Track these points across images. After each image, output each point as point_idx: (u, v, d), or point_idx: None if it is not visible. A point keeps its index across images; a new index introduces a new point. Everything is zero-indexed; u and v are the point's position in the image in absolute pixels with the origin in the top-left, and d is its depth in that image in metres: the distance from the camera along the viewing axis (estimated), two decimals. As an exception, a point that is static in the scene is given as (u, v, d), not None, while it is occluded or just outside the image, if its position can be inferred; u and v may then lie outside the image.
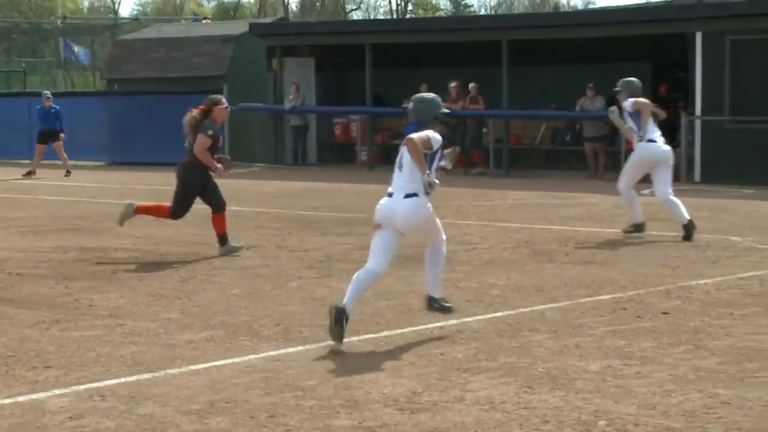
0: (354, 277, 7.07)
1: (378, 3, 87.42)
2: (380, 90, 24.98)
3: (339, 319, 6.71)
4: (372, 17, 71.41)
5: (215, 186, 11.19)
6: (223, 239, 11.04)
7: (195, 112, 11.03)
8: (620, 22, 21.82)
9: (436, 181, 7.07)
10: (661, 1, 28.26)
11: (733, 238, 11.98)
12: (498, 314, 7.85)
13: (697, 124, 20.36)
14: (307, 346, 6.89)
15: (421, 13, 73.73)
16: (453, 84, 22.82)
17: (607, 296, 8.56)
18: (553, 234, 12.31)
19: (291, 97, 25.18)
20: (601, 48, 22.47)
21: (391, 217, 7.08)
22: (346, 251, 11.24)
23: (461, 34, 23.65)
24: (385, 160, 25.12)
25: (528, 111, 23.19)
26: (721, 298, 8.49)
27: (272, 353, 6.72)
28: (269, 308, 8.15)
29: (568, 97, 22.37)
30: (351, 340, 6.96)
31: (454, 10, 75.45)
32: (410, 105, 7.34)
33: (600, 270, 9.92)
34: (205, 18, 41.61)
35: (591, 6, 74.16)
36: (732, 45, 19.84)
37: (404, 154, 7.09)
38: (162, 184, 18.68)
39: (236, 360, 6.54)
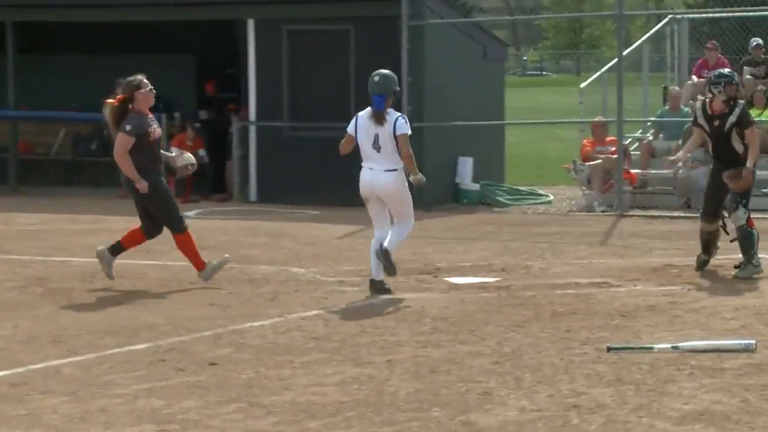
0: (371, 248, 10.58)
1: None
2: None
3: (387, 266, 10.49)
4: None
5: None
6: (116, 249, 11.31)
7: (114, 102, 10.89)
8: (152, 4, 21.79)
9: (424, 178, 10.77)
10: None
11: (294, 270, 12.39)
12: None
13: (252, 130, 20.82)
14: None
15: None
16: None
17: (143, 345, 8.62)
18: (75, 268, 12.26)
19: None
20: (135, 36, 22.44)
21: (374, 186, 10.53)
22: None
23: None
24: None
25: (42, 112, 22.71)
26: (279, 343, 8.72)
27: None
28: None
29: (95, 96, 22.11)
30: None
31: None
32: (375, 78, 10.43)
33: (134, 313, 9.99)
34: None
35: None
36: (290, 36, 20.47)
37: (379, 135, 10.43)
38: None
39: None
